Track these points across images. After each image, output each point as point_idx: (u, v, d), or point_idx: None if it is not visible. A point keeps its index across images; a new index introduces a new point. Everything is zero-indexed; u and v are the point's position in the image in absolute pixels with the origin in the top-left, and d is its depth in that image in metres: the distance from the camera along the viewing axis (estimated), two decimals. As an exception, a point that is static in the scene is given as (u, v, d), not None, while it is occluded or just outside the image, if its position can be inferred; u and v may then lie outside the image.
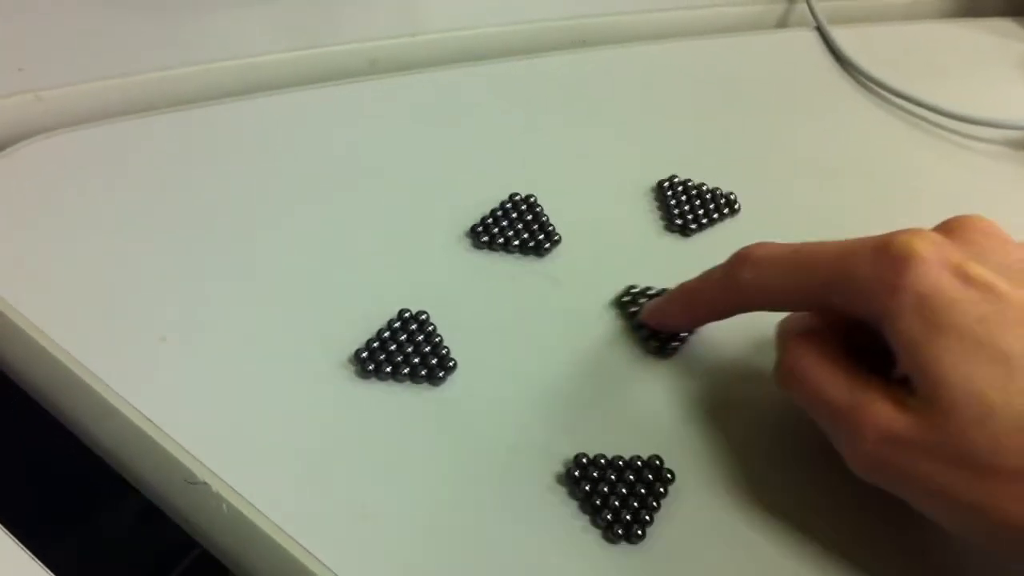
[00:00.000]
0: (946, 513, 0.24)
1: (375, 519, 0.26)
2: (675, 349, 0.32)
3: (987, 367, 0.23)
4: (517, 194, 0.37)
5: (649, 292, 0.34)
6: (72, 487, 0.46)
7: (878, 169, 0.43)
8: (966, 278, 0.24)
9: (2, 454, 0.42)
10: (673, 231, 0.37)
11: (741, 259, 0.29)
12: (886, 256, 0.25)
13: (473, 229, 0.35)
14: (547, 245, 0.35)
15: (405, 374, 0.30)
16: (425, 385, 0.30)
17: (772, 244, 0.28)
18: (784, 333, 0.29)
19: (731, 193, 0.39)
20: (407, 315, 0.31)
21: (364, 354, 0.30)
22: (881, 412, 0.24)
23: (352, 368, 0.30)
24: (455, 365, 0.30)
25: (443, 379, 0.30)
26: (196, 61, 0.41)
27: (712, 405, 0.31)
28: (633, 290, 0.34)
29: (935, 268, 0.24)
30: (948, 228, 0.27)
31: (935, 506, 0.24)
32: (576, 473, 0.28)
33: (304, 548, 0.25)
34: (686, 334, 0.32)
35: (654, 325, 0.32)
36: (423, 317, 0.31)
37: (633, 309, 0.33)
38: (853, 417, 0.25)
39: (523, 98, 0.43)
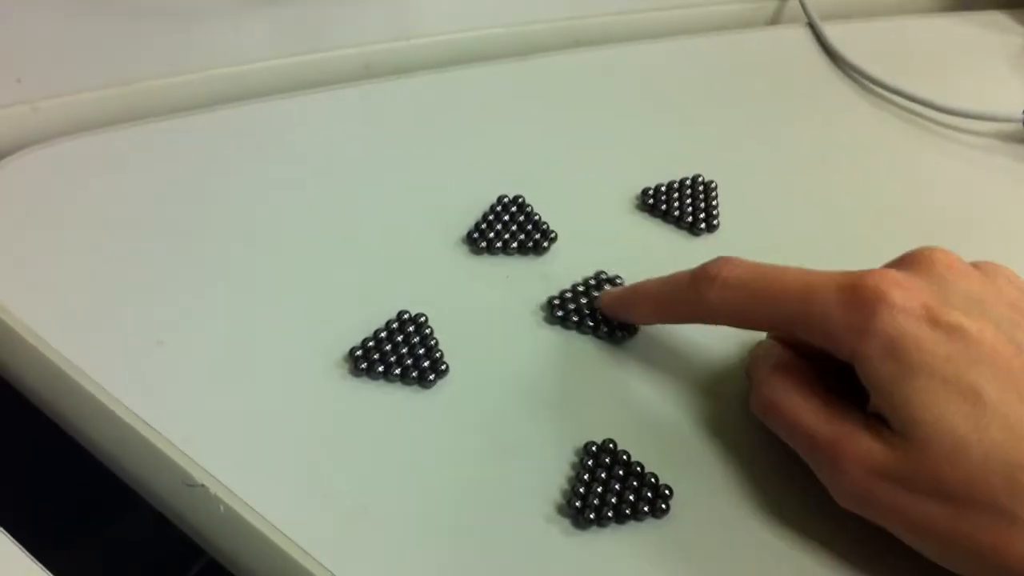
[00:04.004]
0: (927, 544, 0.24)
1: (373, 518, 0.26)
2: (624, 337, 0.32)
3: (957, 404, 0.24)
4: (505, 196, 0.37)
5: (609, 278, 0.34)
6: (82, 493, 0.47)
7: (870, 163, 0.43)
8: (932, 318, 0.25)
9: (6, 461, 0.42)
10: (682, 229, 0.38)
11: (709, 278, 0.28)
12: (853, 300, 0.25)
13: (469, 236, 0.35)
14: (545, 244, 0.35)
15: (396, 375, 0.30)
16: (416, 387, 0.30)
17: (739, 264, 0.28)
18: (757, 363, 0.29)
19: (711, 180, 0.39)
20: (405, 316, 0.32)
21: (358, 352, 0.30)
22: (861, 443, 0.25)
23: (346, 367, 0.30)
24: (447, 369, 0.30)
25: (433, 383, 0.30)
26: (190, 69, 0.41)
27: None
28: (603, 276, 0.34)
29: (902, 311, 0.25)
30: (911, 263, 0.27)
31: (917, 538, 0.25)
32: (578, 504, 0.27)
33: (301, 548, 0.25)
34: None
35: (609, 315, 0.33)
36: (421, 320, 0.32)
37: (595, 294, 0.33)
38: (834, 449, 0.26)
39: (517, 100, 0.43)
